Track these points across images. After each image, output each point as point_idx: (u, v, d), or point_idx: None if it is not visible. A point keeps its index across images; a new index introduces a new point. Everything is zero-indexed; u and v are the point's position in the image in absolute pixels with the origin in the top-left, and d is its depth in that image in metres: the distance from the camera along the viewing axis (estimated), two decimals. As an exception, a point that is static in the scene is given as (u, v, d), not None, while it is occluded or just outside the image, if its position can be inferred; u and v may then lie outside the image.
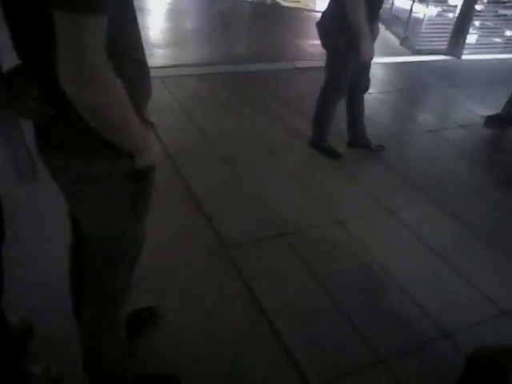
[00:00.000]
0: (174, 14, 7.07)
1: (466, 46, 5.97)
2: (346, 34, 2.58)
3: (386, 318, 1.90)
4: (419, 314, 1.92)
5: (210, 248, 2.15)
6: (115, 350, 1.34)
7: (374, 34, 2.79)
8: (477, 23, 6.34)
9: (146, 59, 1.01)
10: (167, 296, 1.85)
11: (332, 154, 3.09)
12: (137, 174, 1.04)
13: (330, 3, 2.76)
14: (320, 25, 2.82)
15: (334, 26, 2.68)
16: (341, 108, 3.06)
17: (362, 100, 3.11)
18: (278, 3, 8.54)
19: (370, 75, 3.04)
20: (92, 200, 1.05)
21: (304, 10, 8.13)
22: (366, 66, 2.90)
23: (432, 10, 6.08)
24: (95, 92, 0.81)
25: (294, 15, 7.71)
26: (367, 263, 2.18)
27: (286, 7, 8.12)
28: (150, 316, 1.74)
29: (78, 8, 0.74)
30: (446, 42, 6.04)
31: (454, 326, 1.87)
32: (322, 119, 3.05)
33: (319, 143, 3.11)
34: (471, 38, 6.14)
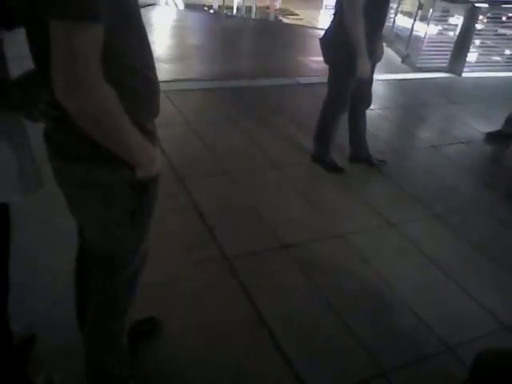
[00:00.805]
0: (179, 30, 7.18)
1: (466, 64, 6.05)
2: (347, 49, 2.63)
3: (388, 330, 1.90)
4: (421, 328, 1.92)
5: (212, 260, 2.16)
6: (117, 360, 1.34)
7: (378, 53, 2.84)
8: (477, 42, 6.42)
9: (155, 76, 1.01)
10: (169, 307, 1.85)
11: (334, 168, 3.12)
12: (138, 184, 1.04)
13: (333, 19, 2.82)
14: (323, 40, 2.87)
15: (336, 41, 2.73)
16: (343, 123, 3.10)
17: (364, 115, 3.14)
18: (281, 20, 8.69)
19: (372, 91, 3.08)
20: (92, 206, 1.06)
21: (306, 27, 8.26)
22: (368, 82, 2.94)
23: (433, 29, 6.17)
24: (82, 100, 0.80)
25: (297, 32, 7.84)
26: (369, 277, 2.19)
27: (289, 24, 8.26)
28: (151, 327, 1.74)
29: (70, 16, 0.74)
30: (446, 60, 6.11)
31: (456, 340, 1.87)
32: (323, 134, 3.08)
33: (321, 157, 3.14)
34: (472, 56, 6.22)
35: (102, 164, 0.99)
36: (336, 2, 2.80)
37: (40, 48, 0.91)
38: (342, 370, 1.69)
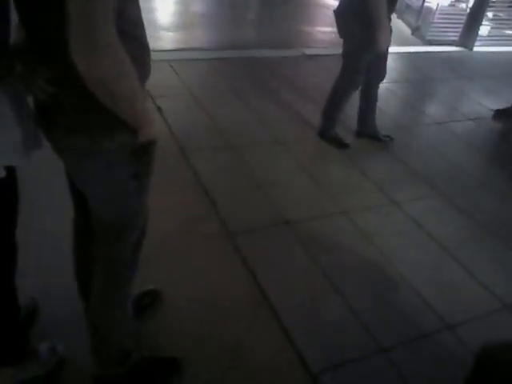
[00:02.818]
0: (183, -3, 6.99)
1: (478, 38, 5.88)
2: (365, 21, 2.54)
3: (389, 308, 1.91)
4: (422, 306, 1.93)
5: (214, 234, 2.16)
6: (122, 329, 1.36)
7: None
8: (490, 14, 6.23)
9: (145, 37, 1.02)
10: (171, 280, 1.86)
11: (340, 144, 3.08)
12: (139, 148, 1.06)
13: None
14: (338, 12, 2.77)
15: (351, 13, 2.64)
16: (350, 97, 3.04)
17: (376, 90, 3.09)
18: (289, -12, 8.41)
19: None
20: (96, 174, 1.07)
21: (314, -4, 8.01)
22: (384, 55, 2.87)
23: (445, 0, 5.98)
24: (106, 65, 0.83)
25: (305, 1, 7.60)
26: (371, 254, 2.19)
27: (297, -8, 8.00)
28: (153, 299, 1.76)
29: None
30: (457, 33, 5.95)
31: (457, 318, 1.89)
32: (333, 107, 3.02)
33: (327, 132, 3.09)
34: (484, 29, 6.04)
35: (104, 132, 1.00)
36: None
37: (36, 21, 0.90)
38: (342, 346, 1.71)
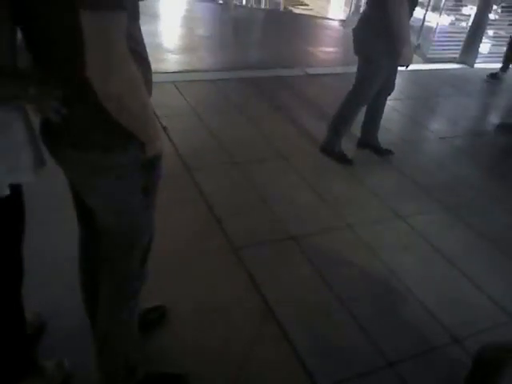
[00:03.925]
0: (189, 21, 7.16)
1: (478, 55, 5.95)
2: (384, 39, 2.60)
3: (396, 322, 1.90)
4: (429, 319, 1.92)
5: (219, 249, 2.17)
6: (129, 343, 1.36)
7: None
8: (490, 32, 6.31)
9: (147, 54, 1.07)
10: (177, 296, 1.87)
11: (343, 159, 3.10)
12: (147, 162, 1.09)
13: (366, 9, 2.80)
14: (356, 30, 2.83)
15: (372, 31, 2.69)
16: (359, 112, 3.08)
17: (384, 103, 3.15)
18: (291, 11, 8.61)
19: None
20: (106, 189, 1.09)
21: (316, 17, 8.18)
22: (395, 71, 2.93)
23: (445, 19, 6.08)
24: (121, 80, 0.87)
25: (306, 22, 7.76)
26: (377, 268, 2.19)
27: (299, 14, 8.18)
28: (159, 315, 1.76)
29: (105, 6, 0.81)
30: (458, 51, 6.02)
31: (465, 332, 1.87)
32: (342, 122, 3.05)
33: (331, 147, 3.13)
34: (484, 47, 6.12)
35: (115, 147, 1.03)
36: None
37: (44, 43, 0.94)
38: (349, 360, 1.70)
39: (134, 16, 0.96)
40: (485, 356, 1.15)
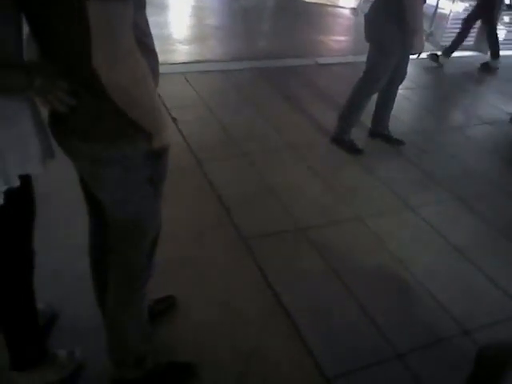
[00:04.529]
0: (198, 10, 7.11)
1: (493, 42, 5.81)
2: (397, 26, 2.57)
3: (405, 313, 1.89)
4: (439, 311, 1.91)
5: (228, 240, 2.18)
6: (138, 331, 1.38)
7: None
8: (506, 18, 6.16)
9: (154, 45, 1.07)
10: (186, 286, 1.89)
11: (353, 149, 3.08)
12: (154, 153, 1.09)
13: None
14: (368, 17, 2.81)
15: (384, 17, 2.66)
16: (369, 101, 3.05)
17: (396, 91, 3.12)
18: (301, -1, 8.49)
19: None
20: (112, 179, 1.10)
21: (327, 5, 8.06)
22: (406, 58, 2.89)
23: (458, 6, 5.94)
24: (128, 71, 0.88)
25: (317, 11, 7.66)
26: (387, 259, 2.17)
27: (309, 3, 8.07)
28: (169, 306, 1.78)
29: None
30: (472, 38, 5.89)
31: (474, 323, 1.86)
32: (352, 111, 3.03)
33: (341, 137, 3.10)
34: (500, 33, 5.97)
35: (121, 138, 1.03)
36: None
37: (52, 34, 0.94)
38: (357, 351, 1.70)
39: (140, 6, 0.96)
40: (486, 357, 1.14)
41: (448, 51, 5.15)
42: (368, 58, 2.89)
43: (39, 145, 1.14)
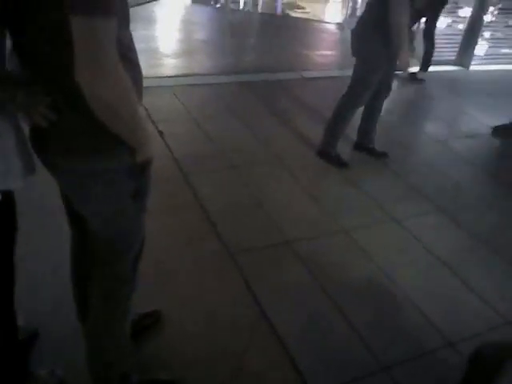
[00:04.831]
0: (186, 25, 7.19)
1: (475, 57, 5.97)
2: (383, 42, 2.63)
3: (390, 325, 1.90)
4: (424, 323, 1.92)
5: (215, 254, 2.17)
6: (121, 349, 1.36)
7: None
8: (487, 34, 6.33)
9: (138, 59, 1.07)
10: (172, 300, 1.87)
11: (339, 162, 3.11)
12: (137, 166, 1.09)
13: (365, 10, 2.83)
14: (355, 32, 2.86)
15: (371, 33, 2.72)
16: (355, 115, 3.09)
17: (381, 105, 3.17)
18: (288, 14, 8.63)
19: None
20: (96, 193, 1.10)
21: (312, 20, 8.21)
22: (392, 73, 2.94)
23: (442, 21, 6.09)
24: (111, 85, 0.88)
25: (303, 26, 7.79)
26: (373, 272, 2.18)
27: (295, 18, 8.21)
28: (154, 321, 1.76)
29: (94, 12, 0.81)
30: (455, 53, 6.04)
31: (460, 336, 1.87)
32: (337, 124, 3.06)
33: (327, 150, 3.13)
34: (481, 48, 6.14)
35: (104, 152, 1.03)
36: None
37: (35, 49, 0.93)
38: (344, 364, 1.70)
39: (124, 22, 0.96)
40: (482, 355, 1.15)
41: (424, 66, 5.24)
42: (354, 72, 2.94)
43: (21, 160, 1.13)
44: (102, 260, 1.24)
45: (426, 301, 2.03)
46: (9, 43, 1.00)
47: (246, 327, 1.80)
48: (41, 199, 2.01)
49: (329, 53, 6.36)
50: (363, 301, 2.01)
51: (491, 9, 6.04)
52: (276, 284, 2.04)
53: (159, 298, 1.84)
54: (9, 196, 1.18)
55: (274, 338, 1.76)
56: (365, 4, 3.00)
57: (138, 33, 0.98)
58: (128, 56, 1.00)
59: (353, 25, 2.95)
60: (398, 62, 2.69)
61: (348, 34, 2.89)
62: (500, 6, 6.12)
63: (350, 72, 2.98)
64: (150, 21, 6.49)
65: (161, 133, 3.15)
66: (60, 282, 1.51)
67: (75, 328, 1.44)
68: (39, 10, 0.87)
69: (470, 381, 1.20)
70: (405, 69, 2.73)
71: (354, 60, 2.92)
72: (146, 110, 2.99)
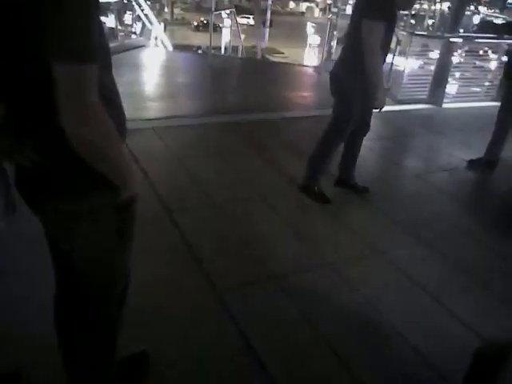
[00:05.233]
0: (168, 70, 7.38)
1: (446, 95, 6.26)
2: (360, 82, 2.75)
3: (378, 357, 1.89)
4: (412, 355, 1.92)
5: (200, 292, 2.15)
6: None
7: None
8: (457, 74, 6.68)
9: (121, 101, 1.11)
10: (158, 339, 1.83)
11: (321, 198, 3.16)
12: (121, 205, 1.11)
13: (342, 53, 2.98)
14: (333, 73, 2.99)
15: (348, 74, 2.84)
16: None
17: (361, 142, 3.28)
18: (268, 59, 8.97)
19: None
20: (81, 233, 1.10)
21: (291, 64, 8.54)
22: (370, 111, 3.07)
23: (413, 63, 6.42)
24: (94, 126, 0.91)
25: (282, 69, 8.09)
26: (359, 304, 2.19)
27: (275, 62, 8.53)
28: (141, 365, 1.71)
29: (78, 58, 0.85)
30: (426, 92, 6.33)
31: (448, 366, 1.87)
32: (319, 160, 3.14)
33: (311, 185, 3.19)
34: (452, 87, 6.45)
35: (89, 193, 1.05)
36: (346, 36, 2.94)
37: (18, 95, 0.97)
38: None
39: (107, 67, 1.01)
40: (487, 351, 1.15)
41: None
42: (333, 110, 3.06)
43: (2, 201, 1.13)
44: (85, 300, 1.23)
45: (414, 332, 2.03)
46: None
47: (233, 364, 1.78)
48: (21, 239, 1.99)
49: (307, 94, 6.59)
50: (352, 334, 2.00)
51: (459, 51, 6.41)
52: (263, 319, 2.02)
53: (144, 338, 1.79)
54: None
55: (263, 376, 1.73)
56: (340, 48, 3.16)
57: (123, 78, 1.02)
58: (111, 99, 1.05)
59: (329, 67, 3.10)
60: (374, 101, 2.80)
61: (325, 77, 3.03)
62: (466, 48, 6.51)
63: (328, 111, 3.10)
64: (135, 66, 6.65)
65: (144, 172, 3.18)
66: (44, 324, 1.47)
67: (60, 374, 1.39)
68: (22, 54, 0.89)
69: (474, 379, 1.20)
70: (381, 107, 2.85)
71: (331, 100, 3.04)
72: (130, 151, 3.03)
